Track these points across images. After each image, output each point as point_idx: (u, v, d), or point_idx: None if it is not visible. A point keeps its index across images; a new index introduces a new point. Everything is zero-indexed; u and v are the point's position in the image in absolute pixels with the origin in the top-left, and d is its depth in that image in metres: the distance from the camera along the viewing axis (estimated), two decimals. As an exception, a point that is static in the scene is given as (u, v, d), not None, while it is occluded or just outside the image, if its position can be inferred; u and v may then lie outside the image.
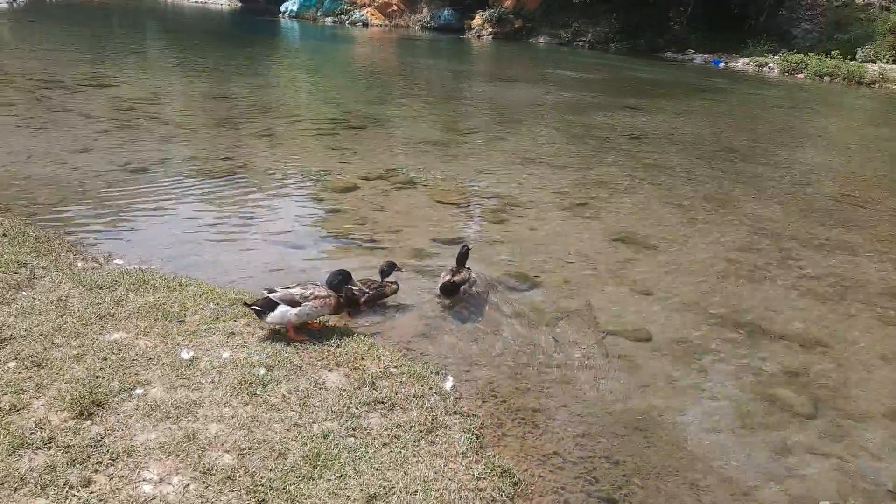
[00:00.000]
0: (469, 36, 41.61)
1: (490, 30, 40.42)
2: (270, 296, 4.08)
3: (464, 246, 5.50)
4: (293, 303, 4.07)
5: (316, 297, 4.18)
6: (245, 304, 4.18)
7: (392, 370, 4.01)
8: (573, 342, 4.93)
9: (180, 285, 4.79)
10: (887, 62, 28.47)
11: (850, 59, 28.90)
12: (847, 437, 4.06)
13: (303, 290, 4.16)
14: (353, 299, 4.76)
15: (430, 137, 11.55)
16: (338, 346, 4.23)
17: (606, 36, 37.42)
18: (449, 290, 5.23)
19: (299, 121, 12.11)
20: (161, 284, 4.77)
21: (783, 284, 6.30)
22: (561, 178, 9.53)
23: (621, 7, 36.16)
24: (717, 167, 10.80)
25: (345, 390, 3.73)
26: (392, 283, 5.10)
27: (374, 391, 3.75)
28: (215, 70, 17.89)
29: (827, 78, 27.95)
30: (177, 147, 9.56)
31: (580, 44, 38.09)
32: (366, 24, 45.20)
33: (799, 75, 28.90)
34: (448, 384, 4.01)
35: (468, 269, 5.45)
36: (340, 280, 4.41)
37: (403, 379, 3.93)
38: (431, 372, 4.10)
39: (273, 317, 4.05)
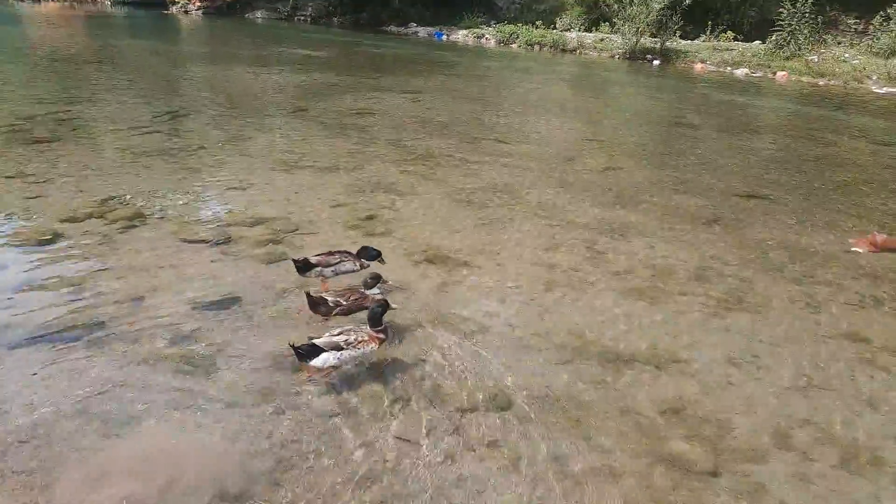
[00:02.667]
0: (174, 11, 36.91)
1: (199, 4, 36.29)
2: (315, 341, 4.03)
3: (376, 250, 5.29)
4: (336, 347, 4.03)
5: (360, 343, 4.10)
6: (290, 345, 3.97)
7: None
8: (425, 440, 3.69)
9: None
10: (580, 30, 31.80)
11: (553, 29, 31.68)
12: (760, 490, 3.51)
13: (343, 339, 4.08)
14: (323, 309, 4.62)
15: (155, 145, 9.15)
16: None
17: (328, 10, 36.06)
18: (299, 267, 5.03)
19: (-48, 138, 8.71)
20: None
21: (605, 287, 5.80)
22: (333, 184, 8.09)
23: (340, -21, 35.05)
24: (483, 151, 10.31)
25: None
26: (378, 294, 4.73)
27: None
28: None
29: (537, 47, 30.25)
30: None
31: (301, 18, 36.19)
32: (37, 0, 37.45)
33: (513, 45, 30.85)
34: None
35: (359, 258, 5.21)
36: (381, 312, 4.24)
37: None
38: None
39: (316, 362, 4.00)
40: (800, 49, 25.39)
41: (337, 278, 5.24)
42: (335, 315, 4.64)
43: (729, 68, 25.40)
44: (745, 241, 7.09)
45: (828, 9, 26.23)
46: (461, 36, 32.49)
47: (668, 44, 27.38)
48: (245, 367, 4.23)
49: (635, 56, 27.43)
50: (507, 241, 6.66)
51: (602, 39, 29.62)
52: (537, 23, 31.73)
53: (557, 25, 32.16)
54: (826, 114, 16.38)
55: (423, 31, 33.51)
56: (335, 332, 4.12)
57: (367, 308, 4.52)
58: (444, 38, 32.52)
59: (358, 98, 14.05)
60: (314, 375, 4.11)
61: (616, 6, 27.88)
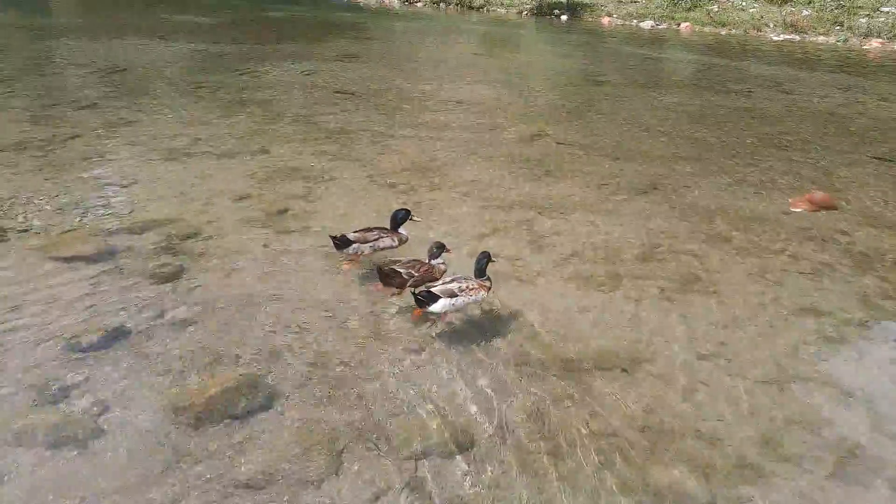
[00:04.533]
0: (38, -25, 33.01)
1: (66, -34, 32.56)
2: (434, 289, 4.19)
3: (402, 210, 5.17)
4: (451, 294, 4.20)
5: (469, 290, 4.27)
6: (412, 293, 4.18)
7: None
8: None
9: None
10: (486, -14, 30.87)
11: (458, -14, 30.57)
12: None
13: (456, 286, 4.26)
14: (397, 281, 4.59)
15: (15, 137, 7.78)
16: None
17: (216, -30, 33.26)
18: (337, 244, 4.91)
19: None
20: None
21: (553, 278, 5.27)
22: (236, 172, 7.11)
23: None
24: (401, 123, 9.50)
25: None
26: (442, 263, 4.75)
27: None
28: None
29: (442, 5, 29.19)
30: None
31: (187, -20, 33.26)
32: None
33: (418, 4, 29.63)
34: None
35: (397, 232, 5.11)
36: (485, 263, 4.42)
37: None
38: None
39: (434, 308, 4.17)
40: (700, -1, 25.70)
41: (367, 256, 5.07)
42: (409, 287, 4.54)
43: (635, 21, 25.36)
44: (686, 210, 6.74)
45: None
46: (363, -5, 30.87)
47: (574, -2, 27.05)
48: (141, 428, 3.40)
49: (543, 11, 26.94)
50: (440, 230, 5.98)
51: (509, -5, 28.87)
52: (441, -20, 30.52)
53: (462, -19, 31.07)
54: (733, 64, 16.50)
55: (321, -8, 31.55)
56: (448, 280, 4.35)
57: (435, 279, 4.60)
58: (346, -2, 30.81)
59: (258, 69, 12.77)
60: (435, 319, 4.42)
61: (520, -41, 27.17)
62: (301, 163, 7.51)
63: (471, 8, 28.71)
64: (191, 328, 4.25)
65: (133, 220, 5.77)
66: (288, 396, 3.68)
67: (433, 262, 4.70)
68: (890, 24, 20.24)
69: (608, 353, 4.29)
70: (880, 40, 19.75)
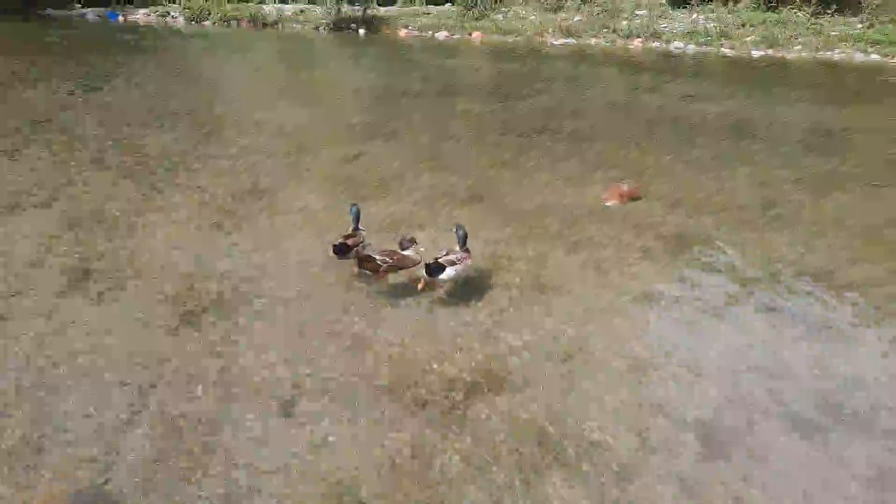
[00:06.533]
0: None
1: None
2: (440, 260, 4.99)
3: (353, 205, 5.73)
4: (452, 263, 5.02)
5: (463, 259, 5.14)
6: (425, 264, 4.98)
7: None
8: None
9: None
10: (276, 1, 30.03)
11: (248, 2, 29.39)
12: (652, 511, 3.21)
13: (454, 256, 5.09)
14: (371, 265, 5.10)
15: None
16: None
17: (-48, -9, 28.61)
18: (338, 251, 5.30)
19: None
20: None
21: (406, 304, 5.13)
22: (24, 227, 6.03)
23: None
24: (218, 153, 8.79)
25: None
26: (415, 254, 5.23)
27: None
28: None
29: (234, 23, 27.89)
30: None
31: (-86, 4, 28.19)
32: None
33: (206, 23, 28.02)
34: None
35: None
36: (465, 237, 5.25)
37: None
38: None
39: (443, 276, 4.99)
40: (486, 10, 27.30)
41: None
42: (383, 271, 5.14)
43: (430, 32, 26.24)
44: (515, 214, 6.98)
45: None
46: (142, 15, 28.47)
47: (369, 11, 27.35)
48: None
49: (340, 26, 26.88)
50: (281, 265, 5.57)
51: (303, 11, 28.40)
52: (231, -3, 29.13)
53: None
54: (525, 69, 17.66)
55: (91, 14, 28.56)
56: (444, 253, 5.12)
57: (406, 267, 5.23)
58: (120, 18, 28.21)
59: (30, 99, 11.07)
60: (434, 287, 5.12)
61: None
62: (106, 205, 6.60)
63: (265, 25, 27.76)
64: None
65: None
66: (131, 496, 3.12)
67: (405, 252, 5.21)
68: (646, 25, 23.08)
69: (473, 371, 4.25)
70: (640, 39, 22.45)
